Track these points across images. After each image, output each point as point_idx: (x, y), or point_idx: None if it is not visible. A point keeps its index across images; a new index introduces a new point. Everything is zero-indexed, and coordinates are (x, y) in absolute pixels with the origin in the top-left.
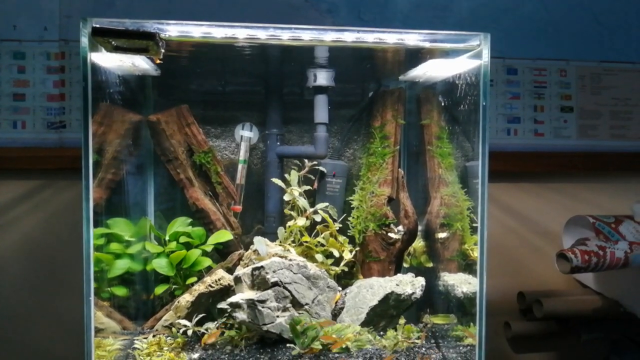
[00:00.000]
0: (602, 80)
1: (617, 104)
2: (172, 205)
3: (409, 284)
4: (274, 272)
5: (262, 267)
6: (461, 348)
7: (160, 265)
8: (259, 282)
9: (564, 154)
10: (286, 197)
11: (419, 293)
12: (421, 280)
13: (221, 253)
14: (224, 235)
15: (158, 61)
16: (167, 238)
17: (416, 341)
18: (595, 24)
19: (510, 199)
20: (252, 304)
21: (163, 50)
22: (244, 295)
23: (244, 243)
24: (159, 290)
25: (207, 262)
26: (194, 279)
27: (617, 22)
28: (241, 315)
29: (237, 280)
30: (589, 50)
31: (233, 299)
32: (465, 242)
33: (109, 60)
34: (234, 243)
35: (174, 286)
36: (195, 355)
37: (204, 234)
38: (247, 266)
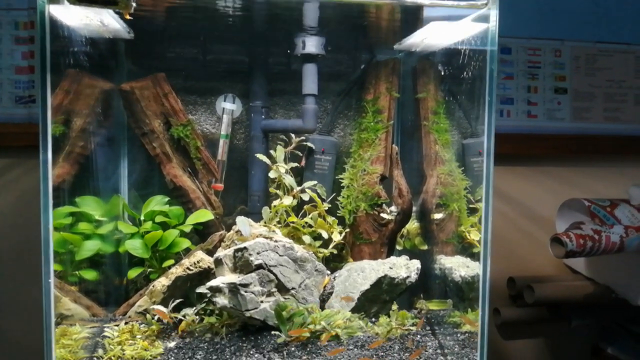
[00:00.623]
0: (597, 62)
1: (611, 86)
2: (148, 183)
3: (403, 267)
4: (258, 253)
5: (245, 248)
6: (459, 335)
7: (134, 246)
8: (242, 264)
9: (558, 137)
10: (271, 175)
11: (413, 277)
12: (416, 263)
13: (201, 234)
14: (204, 215)
15: (127, 17)
16: (142, 218)
17: (411, 328)
18: (591, 3)
19: (501, 182)
20: (234, 288)
21: (134, 4)
22: (225, 278)
23: (225, 224)
24: (133, 273)
25: (186, 243)
26: (171, 261)
27: (613, 2)
28: (222, 301)
29: (218, 262)
30: (584, 31)
31: (213, 282)
32: (462, 224)
33: (73, 18)
34: (214, 223)
35: (149, 269)
36: (172, 344)
37: (183, 214)
38: (229, 248)
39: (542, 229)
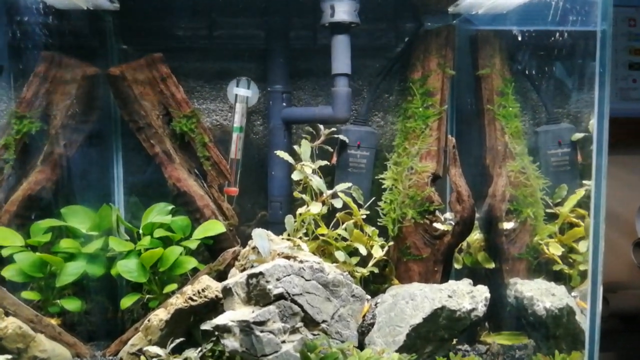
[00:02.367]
0: None
1: None
2: (149, 188)
3: (467, 296)
4: (277, 280)
5: (261, 273)
6: None
7: (128, 268)
8: (258, 294)
9: (633, 121)
10: (295, 176)
11: (481, 309)
12: (484, 292)
13: (212, 250)
14: (215, 227)
15: None
16: (140, 231)
17: None
18: None
19: None
20: (246, 327)
21: None
22: (235, 314)
23: (242, 236)
24: (127, 302)
25: (192, 263)
26: (174, 286)
27: None
28: (232, 343)
29: (227, 292)
30: None
31: (220, 319)
32: (538, 234)
33: None
34: (228, 237)
35: (147, 296)
36: None
37: (189, 226)
38: (244, 269)
39: (618, 230)
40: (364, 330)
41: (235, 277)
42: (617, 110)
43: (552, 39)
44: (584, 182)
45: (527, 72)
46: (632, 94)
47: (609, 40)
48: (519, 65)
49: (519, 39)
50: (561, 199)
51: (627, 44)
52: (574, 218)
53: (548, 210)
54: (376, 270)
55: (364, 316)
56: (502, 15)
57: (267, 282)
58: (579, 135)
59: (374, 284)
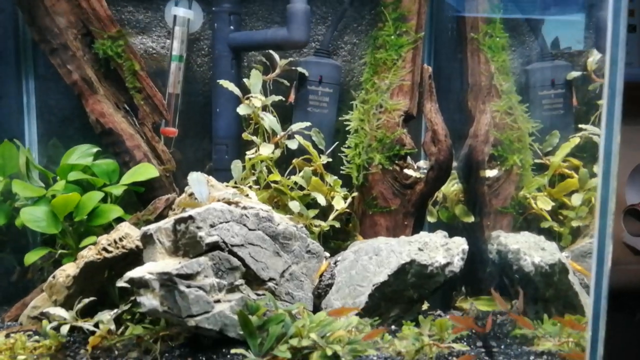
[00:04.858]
0: None
1: None
2: (69, 129)
3: (441, 249)
4: (212, 226)
5: (190, 217)
6: (533, 358)
7: (35, 216)
8: (187, 243)
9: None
10: (242, 110)
11: (457, 264)
12: (461, 244)
13: (144, 200)
14: (146, 171)
15: None
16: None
17: (453, 345)
18: None
19: None
20: (168, 281)
21: None
22: (156, 265)
23: (180, 187)
24: (32, 257)
25: (116, 212)
26: (94, 239)
27: None
28: (149, 301)
29: (147, 239)
30: None
31: (136, 272)
32: (525, 186)
33: None
34: (163, 185)
35: (60, 251)
36: None
37: (116, 171)
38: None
39: None
40: (320, 293)
41: (159, 223)
42: None
43: None
44: (579, 126)
45: None
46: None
47: None
48: None
49: None
50: (552, 148)
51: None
52: (567, 169)
53: (537, 161)
54: (337, 225)
55: (320, 276)
56: None
57: (199, 228)
58: (575, 74)
59: (335, 241)
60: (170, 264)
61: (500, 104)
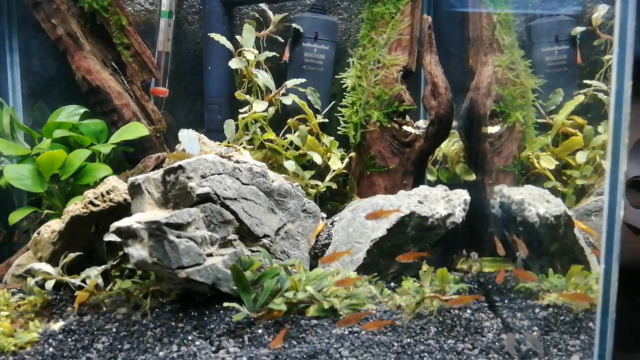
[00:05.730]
0: None
1: None
2: (54, 87)
3: (442, 201)
4: (203, 177)
5: (180, 167)
6: (538, 311)
7: (19, 174)
8: (177, 194)
9: None
10: (234, 64)
11: (459, 214)
12: (462, 195)
13: (134, 161)
14: (136, 130)
15: None
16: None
17: (455, 297)
18: None
19: None
20: (157, 231)
21: None
22: (145, 215)
23: (171, 148)
24: (17, 216)
25: (104, 170)
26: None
27: None
28: (138, 252)
29: (135, 189)
30: None
31: (123, 222)
32: (528, 146)
33: None
34: (153, 145)
35: (47, 211)
36: (57, 325)
37: (104, 131)
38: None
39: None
40: (317, 253)
41: (148, 173)
42: None
43: None
44: (585, 81)
45: None
46: None
47: None
48: None
49: None
50: (556, 106)
51: None
52: (571, 128)
53: (540, 121)
54: (334, 186)
55: (317, 235)
56: None
57: (189, 178)
58: (579, 30)
59: (332, 202)
60: (160, 215)
61: (502, 59)
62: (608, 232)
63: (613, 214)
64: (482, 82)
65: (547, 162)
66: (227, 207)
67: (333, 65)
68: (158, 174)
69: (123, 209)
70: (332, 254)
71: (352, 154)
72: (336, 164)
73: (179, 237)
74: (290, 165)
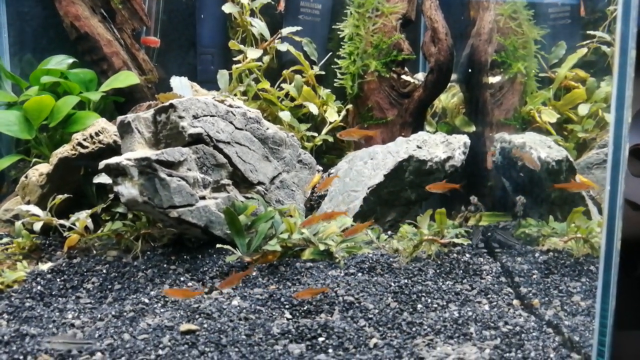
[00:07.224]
0: None
1: None
2: (42, 36)
3: (441, 145)
4: (195, 118)
5: (172, 106)
6: (538, 256)
7: (7, 120)
8: (168, 135)
9: None
10: (227, 8)
11: (458, 158)
12: (462, 139)
13: (125, 111)
14: (127, 79)
15: None
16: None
17: (454, 241)
18: None
19: None
20: (147, 168)
21: None
22: (135, 153)
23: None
24: (4, 163)
25: (93, 118)
26: None
27: None
28: (128, 190)
29: (125, 128)
30: None
31: (113, 159)
32: (529, 100)
33: None
34: (145, 95)
35: (35, 159)
36: (46, 266)
37: (94, 80)
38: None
39: None
40: (312, 204)
41: (139, 112)
42: None
43: None
44: (588, 32)
45: None
46: None
47: None
48: None
49: None
50: (558, 60)
51: None
52: (573, 81)
53: (542, 75)
54: (331, 140)
55: (313, 187)
56: None
57: (181, 117)
58: None
59: (328, 156)
60: (150, 152)
61: (504, 8)
62: (612, 176)
63: (618, 151)
64: (483, 27)
65: (548, 116)
66: (220, 150)
67: (330, 16)
68: (149, 113)
69: (112, 152)
70: (330, 212)
71: (349, 106)
72: (333, 116)
73: (170, 175)
74: (285, 115)
